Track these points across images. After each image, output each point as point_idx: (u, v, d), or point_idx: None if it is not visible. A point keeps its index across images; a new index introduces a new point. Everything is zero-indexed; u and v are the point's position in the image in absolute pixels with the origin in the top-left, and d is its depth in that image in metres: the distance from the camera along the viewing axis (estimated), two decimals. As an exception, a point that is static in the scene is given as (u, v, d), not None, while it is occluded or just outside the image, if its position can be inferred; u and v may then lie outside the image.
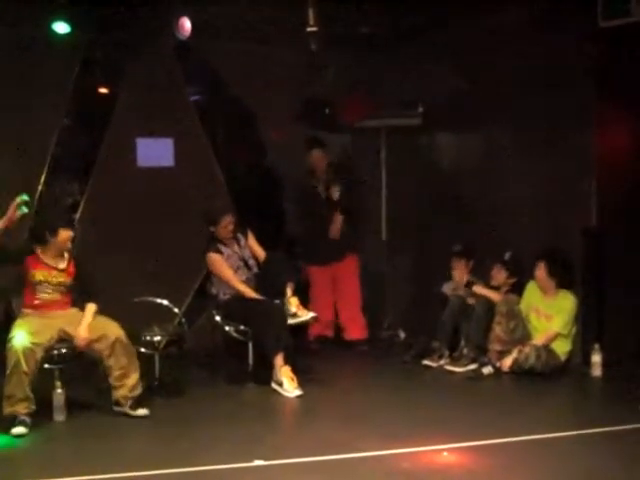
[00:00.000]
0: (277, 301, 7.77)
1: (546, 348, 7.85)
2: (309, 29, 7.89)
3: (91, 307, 6.84)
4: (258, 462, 5.58)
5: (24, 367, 6.31)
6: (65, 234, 6.79)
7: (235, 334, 7.82)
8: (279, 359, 7.48)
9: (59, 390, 6.59)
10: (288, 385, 7.35)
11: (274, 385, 7.48)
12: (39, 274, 6.74)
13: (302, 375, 7.55)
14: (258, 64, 9.09)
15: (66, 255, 6.90)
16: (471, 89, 8.96)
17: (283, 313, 7.67)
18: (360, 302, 9.30)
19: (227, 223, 8.00)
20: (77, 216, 8.66)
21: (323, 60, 9.08)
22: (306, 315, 7.70)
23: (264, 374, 7.69)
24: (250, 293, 7.80)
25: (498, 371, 7.91)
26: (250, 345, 7.80)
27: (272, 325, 7.53)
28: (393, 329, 9.69)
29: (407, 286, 9.84)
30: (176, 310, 7.83)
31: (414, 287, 9.78)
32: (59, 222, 6.83)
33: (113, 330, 6.67)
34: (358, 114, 9.36)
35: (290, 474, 5.44)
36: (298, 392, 7.33)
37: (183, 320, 7.86)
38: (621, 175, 7.98)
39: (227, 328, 7.84)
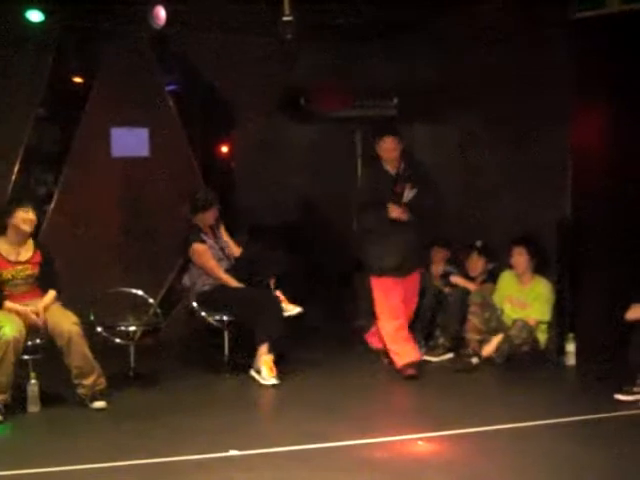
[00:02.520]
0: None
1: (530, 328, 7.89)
2: (284, 19, 7.86)
3: (51, 292, 6.81)
4: (233, 452, 5.58)
5: (12, 357, 6.31)
6: (22, 214, 6.72)
7: (216, 324, 7.79)
8: (263, 348, 7.48)
9: (33, 381, 6.55)
10: (266, 373, 7.36)
11: (252, 372, 7.50)
12: (6, 273, 6.71)
13: (279, 366, 7.56)
14: (233, 53, 9.06)
15: (30, 244, 6.85)
16: (447, 80, 8.97)
17: (278, 303, 7.66)
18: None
19: (214, 211, 7.94)
20: (51, 206, 8.60)
21: (299, 50, 9.05)
22: (293, 310, 7.69)
23: (240, 364, 7.69)
24: (234, 283, 7.76)
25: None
26: (226, 335, 7.79)
27: (265, 314, 7.52)
28: (368, 319, 9.69)
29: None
30: (151, 301, 7.80)
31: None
32: (15, 203, 6.80)
33: (67, 327, 6.59)
34: (333, 104, 9.34)
35: (265, 464, 5.44)
36: (274, 381, 7.34)
37: (158, 310, 7.83)
38: (596, 166, 8.01)
39: (209, 319, 7.78)
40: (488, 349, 7.95)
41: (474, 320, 8.06)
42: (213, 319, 7.78)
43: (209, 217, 7.93)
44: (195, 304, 7.85)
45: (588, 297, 8.10)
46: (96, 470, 5.29)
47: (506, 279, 8.22)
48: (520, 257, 8.07)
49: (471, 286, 8.31)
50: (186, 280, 7.98)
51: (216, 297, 7.79)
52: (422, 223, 7.62)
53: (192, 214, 7.92)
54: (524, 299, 8.04)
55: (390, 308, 7.73)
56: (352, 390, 7.29)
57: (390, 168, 7.66)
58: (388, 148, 7.59)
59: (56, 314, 6.71)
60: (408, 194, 7.60)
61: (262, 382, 7.36)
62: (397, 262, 7.61)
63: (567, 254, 8.24)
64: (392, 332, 7.70)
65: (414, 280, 7.98)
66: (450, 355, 8.20)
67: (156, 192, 8.92)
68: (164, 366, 7.92)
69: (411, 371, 7.53)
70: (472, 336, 8.07)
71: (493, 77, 8.45)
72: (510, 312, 8.08)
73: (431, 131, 9.56)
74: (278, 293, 7.73)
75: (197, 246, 7.81)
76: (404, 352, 7.64)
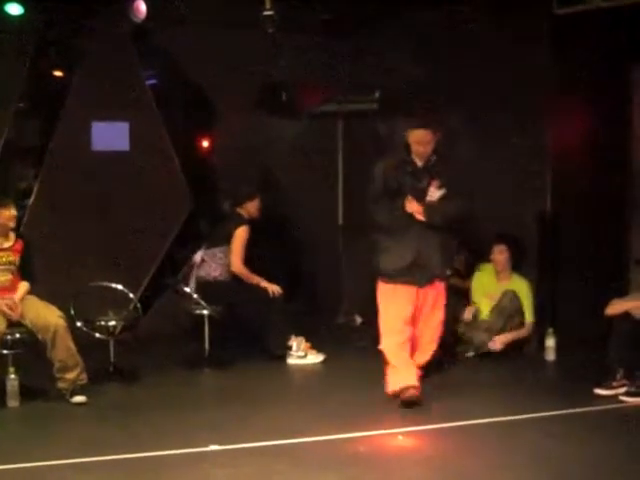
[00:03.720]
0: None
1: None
2: (265, 13, 7.85)
3: (24, 284, 6.80)
4: (213, 447, 5.57)
5: None
6: (5, 213, 6.74)
7: (201, 311, 7.83)
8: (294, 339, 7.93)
9: (12, 376, 6.52)
10: (311, 354, 7.96)
11: (294, 361, 7.92)
12: None
13: (260, 361, 7.56)
14: (215, 48, 9.03)
15: (11, 234, 6.84)
16: (427, 75, 8.97)
17: (282, 305, 8.04)
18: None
19: (257, 202, 8.34)
20: (31, 200, 8.56)
21: (280, 44, 9.03)
22: (316, 358, 8.01)
23: (220, 359, 7.69)
24: (251, 277, 8.07)
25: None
26: (206, 328, 7.79)
27: (276, 318, 7.93)
28: (350, 314, 9.71)
29: (364, 272, 9.84)
30: (131, 295, 7.79)
31: (371, 273, 9.78)
32: None
33: (53, 321, 6.58)
34: (314, 99, 9.33)
35: (245, 458, 5.43)
36: (322, 356, 7.94)
37: (138, 305, 7.82)
38: (576, 163, 8.05)
39: (205, 311, 7.80)
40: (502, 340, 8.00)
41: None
42: (199, 309, 7.82)
43: (252, 207, 8.27)
44: (187, 289, 7.92)
45: (568, 293, 8.14)
46: (76, 465, 5.28)
47: (485, 274, 8.25)
48: (501, 255, 8.11)
49: (457, 281, 8.35)
50: (197, 256, 8.11)
51: (224, 290, 7.96)
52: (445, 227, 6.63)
53: (237, 204, 8.28)
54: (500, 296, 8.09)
55: (395, 319, 6.68)
56: (334, 385, 7.29)
57: (418, 160, 6.65)
58: (419, 141, 6.57)
59: (39, 307, 6.69)
60: (434, 193, 6.64)
61: (311, 362, 7.90)
62: (410, 266, 6.60)
63: (547, 251, 8.28)
64: (394, 348, 6.69)
65: (436, 291, 6.82)
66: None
67: (137, 186, 8.89)
68: (144, 361, 7.89)
69: (410, 393, 6.45)
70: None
71: (473, 74, 8.46)
72: (485, 308, 8.13)
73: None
74: (301, 340, 8.01)
75: (244, 229, 8.08)
76: (402, 374, 6.58)
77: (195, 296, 7.87)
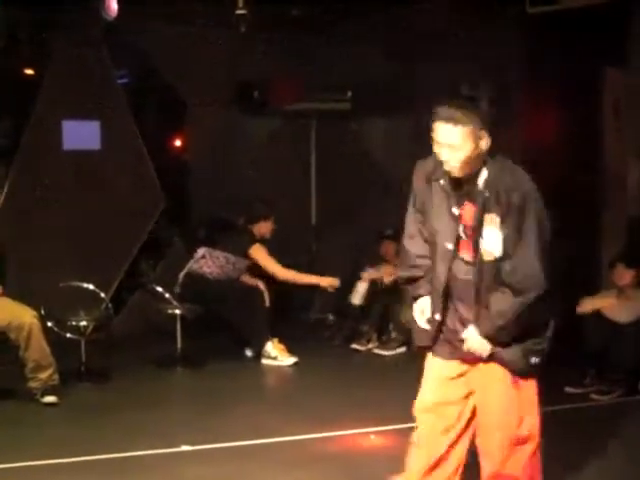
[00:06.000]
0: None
1: None
2: (238, 11, 7.83)
3: None
4: (185, 447, 5.56)
5: None
6: None
7: (186, 314, 7.88)
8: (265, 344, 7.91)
9: (-18, 377, 6.49)
10: (282, 355, 7.86)
11: (266, 361, 7.86)
12: None
13: (233, 361, 7.55)
14: (187, 46, 8.99)
15: None
16: (400, 74, 8.99)
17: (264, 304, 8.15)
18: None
19: (270, 223, 8.39)
20: (1, 200, 8.49)
21: (253, 43, 9.01)
22: (287, 360, 7.92)
23: (192, 359, 7.67)
24: (296, 276, 8.32)
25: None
26: (178, 327, 7.77)
27: (258, 315, 8.03)
28: (322, 312, 9.71)
29: (336, 270, 9.85)
30: (102, 295, 7.75)
31: (343, 271, 9.80)
32: None
33: (27, 320, 6.53)
34: (287, 97, 9.31)
35: (217, 459, 5.43)
36: (293, 359, 7.85)
37: (109, 305, 7.79)
38: (547, 163, 8.08)
39: (177, 311, 7.83)
40: None
41: None
42: (172, 308, 7.84)
43: (265, 228, 8.36)
44: (159, 288, 7.97)
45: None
46: (47, 467, 5.26)
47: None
48: None
49: None
50: (200, 253, 8.24)
51: (211, 287, 8.03)
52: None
53: (250, 222, 8.34)
54: None
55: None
56: (307, 384, 7.30)
57: (452, 175, 3.90)
58: (440, 141, 3.92)
59: (12, 307, 6.64)
60: (481, 230, 3.82)
61: (284, 364, 7.78)
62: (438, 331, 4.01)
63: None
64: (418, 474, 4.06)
65: (494, 376, 3.97)
66: (403, 349, 8.23)
67: (108, 185, 8.84)
68: (116, 361, 7.85)
69: None
70: None
71: (446, 72, 8.47)
72: None
73: (385, 124, 9.58)
74: (276, 342, 7.96)
75: (257, 246, 8.21)
76: None
77: (167, 295, 7.86)
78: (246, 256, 8.21)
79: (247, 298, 8.05)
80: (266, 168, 9.59)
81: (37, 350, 6.52)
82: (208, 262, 8.12)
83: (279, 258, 8.33)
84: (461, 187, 3.88)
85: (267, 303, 8.19)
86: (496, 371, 3.91)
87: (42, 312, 7.19)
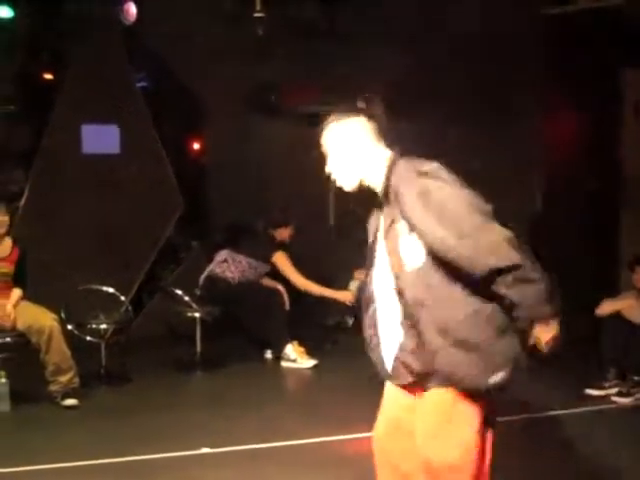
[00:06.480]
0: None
1: None
2: (256, 15, 7.85)
3: (17, 291, 6.77)
4: (205, 450, 5.57)
5: None
6: None
7: (205, 317, 7.89)
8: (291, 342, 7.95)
9: (3, 380, 6.51)
10: (302, 358, 7.87)
11: (285, 364, 7.87)
12: None
13: (252, 363, 7.54)
14: (205, 50, 9.01)
15: (6, 242, 6.81)
16: (416, 75, 8.98)
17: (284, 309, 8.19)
18: None
19: (290, 229, 8.48)
20: (21, 203, 8.54)
21: (270, 45, 9.02)
22: (307, 362, 7.94)
23: (212, 361, 7.68)
24: (316, 287, 8.21)
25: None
26: (198, 330, 7.79)
27: (276, 321, 8.03)
28: (341, 316, 9.69)
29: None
30: (122, 298, 7.78)
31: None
32: None
33: (48, 324, 6.58)
34: (304, 100, 9.31)
35: (237, 461, 5.43)
36: (313, 361, 7.86)
37: (129, 308, 7.81)
38: (566, 163, 8.08)
39: (197, 314, 7.83)
40: None
41: None
42: (191, 311, 7.84)
43: (285, 233, 8.45)
44: (179, 291, 7.95)
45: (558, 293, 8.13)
46: (67, 469, 5.27)
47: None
48: None
49: None
50: (221, 256, 8.29)
51: (232, 290, 8.04)
52: None
53: (271, 227, 8.44)
54: None
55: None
56: (326, 387, 7.29)
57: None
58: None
59: (32, 311, 6.68)
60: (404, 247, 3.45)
61: (303, 367, 7.80)
62: None
63: (538, 249, 8.27)
64: None
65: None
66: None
67: (127, 189, 8.87)
68: (135, 364, 7.87)
69: None
70: None
71: (464, 73, 8.47)
72: None
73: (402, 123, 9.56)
74: (296, 345, 7.99)
75: (280, 254, 8.25)
76: None
77: (187, 299, 7.87)
78: (268, 261, 8.23)
79: (267, 301, 8.07)
80: (284, 170, 9.59)
81: (57, 353, 6.56)
82: (230, 267, 8.14)
83: (300, 261, 8.33)
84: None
85: (287, 306, 8.21)
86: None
87: (62, 315, 7.24)
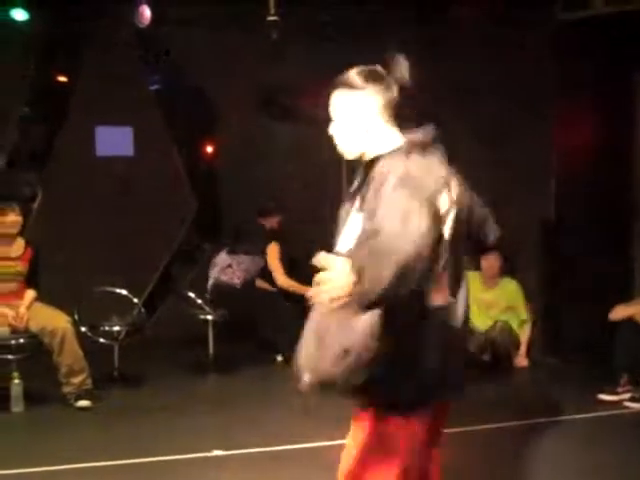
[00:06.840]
0: None
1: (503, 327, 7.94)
2: (270, 18, 7.85)
3: (30, 293, 6.80)
4: (217, 452, 5.57)
5: None
6: (8, 219, 6.76)
7: (218, 319, 7.92)
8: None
9: (17, 381, 6.54)
10: None
11: None
12: None
13: (265, 365, 7.55)
14: (218, 52, 9.02)
15: (19, 242, 6.84)
16: (430, 78, 8.95)
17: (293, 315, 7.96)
18: None
19: (276, 219, 8.61)
20: (35, 205, 8.57)
21: (282, 48, 9.02)
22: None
23: (225, 363, 7.69)
24: (296, 286, 8.15)
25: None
26: (210, 333, 7.80)
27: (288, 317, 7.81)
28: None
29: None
30: (135, 300, 7.80)
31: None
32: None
33: (61, 325, 6.62)
34: (316, 103, 9.29)
35: (249, 464, 5.44)
36: None
37: (143, 310, 7.83)
38: (580, 168, 8.05)
39: (209, 316, 7.88)
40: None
41: None
42: (204, 314, 7.86)
43: (274, 221, 8.61)
44: (192, 294, 8.01)
45: (571, 297, 8.13)
46: (81, 470, 5.29)
47: (471, 281, 8.21)
48: (496, 262, 8.05)
49: None
50: (221, 259, 8.32)
51: (241, 294, 8.07)
52: None
53: (260, 216, 8.59)
54: (491, 300, 8.06)
55: None
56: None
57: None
58: None
59: (46, 312, 6.71)
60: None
61: None
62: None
63: (550, 254, 8.27)
64: None
65: None
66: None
67: (141, 190, 8.89)
68: (148, 366, 7.90)
69: None
70: None
71: (476, 77, 8.45)
72: (476, 314, 8.06)
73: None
74: None
75: (273, 245, 8.33)
76: None
77: (199, 301, 7.89)
78: (264, 252, 8.32)
79: (274, 305, 8.04)
80: (297, 173, 9.60)
81: (70, 355, 6.58)
82: (236, 272, 8.13)
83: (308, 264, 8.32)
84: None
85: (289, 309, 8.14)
86: None
87: (75, 317, 7.26)
